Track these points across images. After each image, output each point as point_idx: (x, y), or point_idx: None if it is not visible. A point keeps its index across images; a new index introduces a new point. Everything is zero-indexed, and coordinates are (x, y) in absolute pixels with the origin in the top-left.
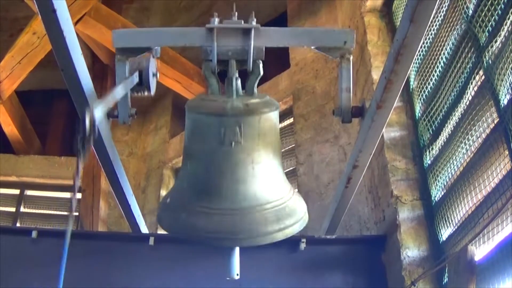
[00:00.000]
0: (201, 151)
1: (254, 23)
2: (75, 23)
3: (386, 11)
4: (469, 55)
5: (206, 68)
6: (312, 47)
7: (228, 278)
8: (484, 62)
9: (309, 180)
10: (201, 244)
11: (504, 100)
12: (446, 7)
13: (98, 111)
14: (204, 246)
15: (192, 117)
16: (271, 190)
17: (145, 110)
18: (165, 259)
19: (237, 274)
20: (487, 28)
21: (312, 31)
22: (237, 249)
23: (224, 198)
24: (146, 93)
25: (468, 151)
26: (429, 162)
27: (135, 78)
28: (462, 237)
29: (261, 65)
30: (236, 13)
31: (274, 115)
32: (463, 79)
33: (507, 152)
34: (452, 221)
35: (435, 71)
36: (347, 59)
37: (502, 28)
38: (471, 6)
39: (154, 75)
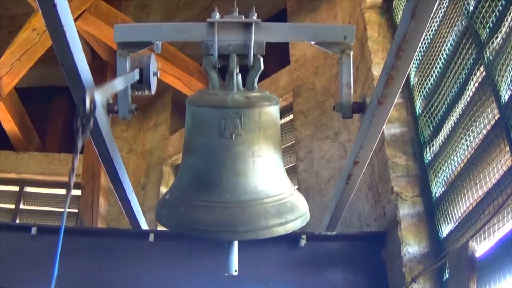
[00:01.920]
0: (201, 145)
1: (255, 17)
2: (75, 20)
3: (386, 7)
4: (469, 51)
5: (207, 62)
6: (313, 42)
7: (226, 274)
8: (485, 58)
9: (309, 177)
10: (199, 238)
11: (505, 96)
12: (447, 3)
13: (98, 95)
14: (203, 240)
15: (193, 111)
16: (272, 184)
17: (144, 107)
18: (165, 256)
19: (235, 270)
20: (488, 24)
21: (312, 27)
22: (235, 244)
23: (224, 191)
24: (146, 92)
25: (469, 147)
26: (429, 158)
27: (136, 74)
28: (462, 234)
29: (261, 60)
30: (237, 8)
31: (274, 109)
32: (463, 75)
33: (507, 148)
34: (452, 217)
35: (436, 68)
36: (347, 55)
37: (503, 24)
38: (472, 2)
39: (155, 74)
